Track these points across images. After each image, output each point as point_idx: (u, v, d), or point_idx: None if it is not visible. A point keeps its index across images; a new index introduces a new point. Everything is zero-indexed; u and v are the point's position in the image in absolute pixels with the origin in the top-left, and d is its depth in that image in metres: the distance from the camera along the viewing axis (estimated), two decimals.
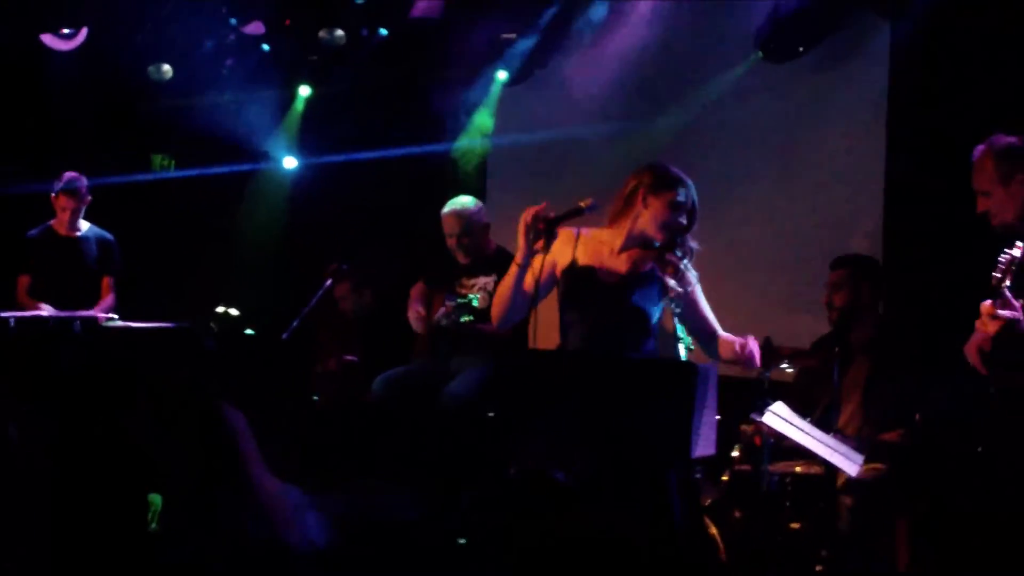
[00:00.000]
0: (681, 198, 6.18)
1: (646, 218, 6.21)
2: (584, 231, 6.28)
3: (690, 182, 6.23)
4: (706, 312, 6.33)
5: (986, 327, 5.65)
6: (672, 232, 6.20)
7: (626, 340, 6.16)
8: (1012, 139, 6.08)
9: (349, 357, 9.83)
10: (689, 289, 6.24)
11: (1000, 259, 5.54)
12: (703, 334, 6.30)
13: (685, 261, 6.23)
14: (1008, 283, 5.50)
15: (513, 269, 6.11)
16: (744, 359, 6.09)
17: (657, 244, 6.22)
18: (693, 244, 6.28)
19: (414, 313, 8.88)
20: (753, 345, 6.09)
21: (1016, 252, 5.53)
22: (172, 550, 5.09)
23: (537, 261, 6.01)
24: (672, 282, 6.16)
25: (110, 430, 7.28)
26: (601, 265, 6.23)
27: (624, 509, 5.69)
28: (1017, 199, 5.98)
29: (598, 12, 10.38)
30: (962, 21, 8.62)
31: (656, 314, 6.22)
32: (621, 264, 6.24)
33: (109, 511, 5.25)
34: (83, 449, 5.93)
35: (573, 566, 5.13)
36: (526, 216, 5.97)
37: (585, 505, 5.48)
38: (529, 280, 6.09)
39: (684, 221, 6.21)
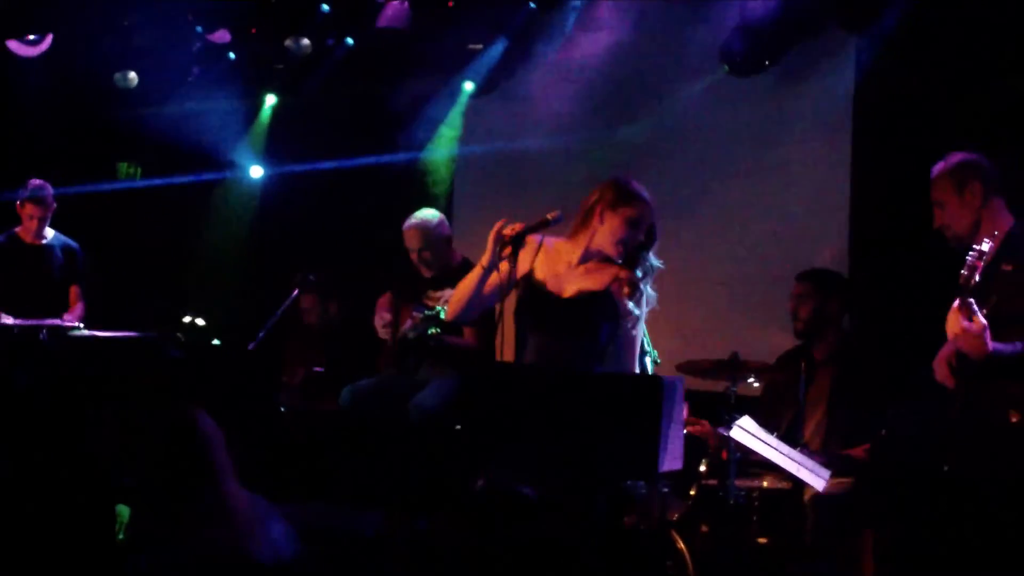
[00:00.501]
0: (638, 215, 6.18)
1: (603, 234, 6.22)
2: (548, 241, 6.29)
3: (649, 199, 6.24)
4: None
5: (953, 328, 5.67)
6: (628, 249, 6.22)
7: (576, 357, 6.16)
8: (969, 154, 6.17)
9: (317, 368, 9.81)
10: (646, 311, 6.27)
11: (968, 255, 5.56)
12: None
13: (644, 283, 6.24)
14: (976, 279, 5.52)
15: (477, 270, 6.13)
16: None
17: (617, 260, 6.25)
18: (655, 262, 6.29)
19: (380, 319, 8.89)
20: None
21: (985, 247, 5.56)
22: (140, 561, 5.07)
23: (503, 266, 6.04)
24: (630, 304, 6.18)
25: (74, 441, 7.25)
26: (557, 278, 6.26)
27: (584, 522, 5.71)
28: (970, 209, 6.07)
29: (564, 23, 10.39)
30: (926, 34, 8.66)
31: (608, 333, 6.23)
32: (576, 279, 6.26)
33: (74, 523, 5.24)
34: (47, 461, 5.90)
35: None
36: (495, 228, 6.00)
37: (548, 519, 5.49)
38: (491, 283, 6.12)
39: (641, 238, 6.22)
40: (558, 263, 6.28)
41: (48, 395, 8.32)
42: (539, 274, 6.24)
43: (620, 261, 6.23)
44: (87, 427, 7.68)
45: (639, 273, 6.21)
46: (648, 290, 6.26)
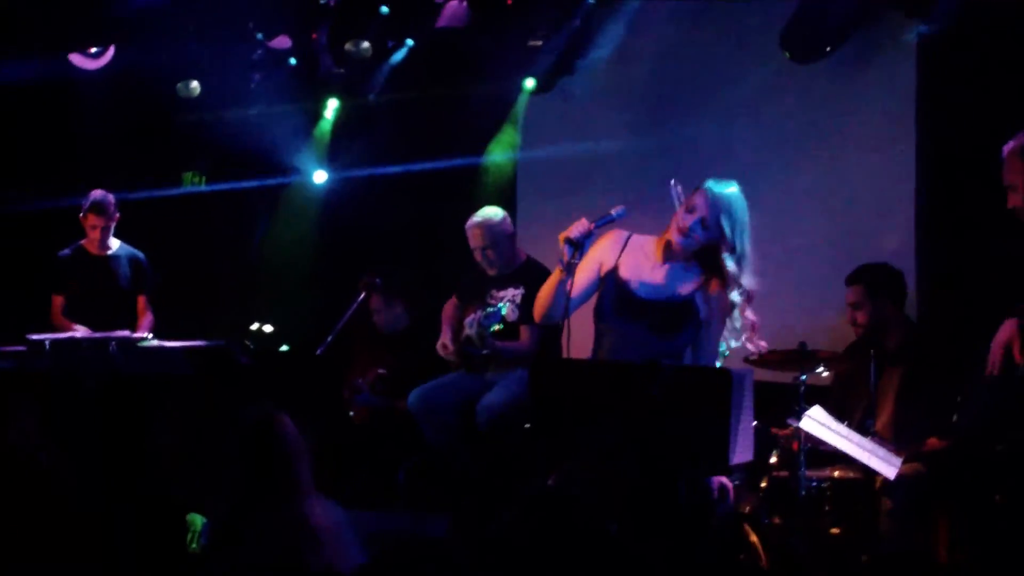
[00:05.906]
0: (692, 201, 6.11)
1: (671, 229, 6.17)
2: (634, 237, 6.26)
3: (714, 194, 6.13)
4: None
5: None
6: (691, 238, 6.11)
7: (653, 355, 6.09)
8: None
9: (380, 370, 9.79)
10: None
11: None
12: None
13: (735, 293, 6.16)
14: None
15: (558, 273, 6.06)
16: None
17: (697, 266, 6.19)
18: (731, 268, 6.18)
19: (442, 348, 8.89)
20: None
21: None
22: (215, 571, 5.08)
23: (577, 270, 6.00)
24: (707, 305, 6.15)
25: (142, 450, 7.27)
26: (640, 277, 6.20)
27: (660, 517, 5.69)
28: None
29: (622, 17, 10.36)
30: (989, 17, 8.56)
31: (688, 335, 6.18)
32: (659, 279, 6.21)
33: (143, 531, 5.25)
34: (115, 470, 5.92)
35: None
36: (563, 234, 5.95)
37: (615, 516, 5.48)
38: (577, 283, 6.07)
39: (699, 234, 6.12)
40: (643, 262, 6.21)
41: (118, 406, 8.35)
42: (623, 271, 6.19)
43: (689, 252, 6.17)
44: (157, 437, 7.72)
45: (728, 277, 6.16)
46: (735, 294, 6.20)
